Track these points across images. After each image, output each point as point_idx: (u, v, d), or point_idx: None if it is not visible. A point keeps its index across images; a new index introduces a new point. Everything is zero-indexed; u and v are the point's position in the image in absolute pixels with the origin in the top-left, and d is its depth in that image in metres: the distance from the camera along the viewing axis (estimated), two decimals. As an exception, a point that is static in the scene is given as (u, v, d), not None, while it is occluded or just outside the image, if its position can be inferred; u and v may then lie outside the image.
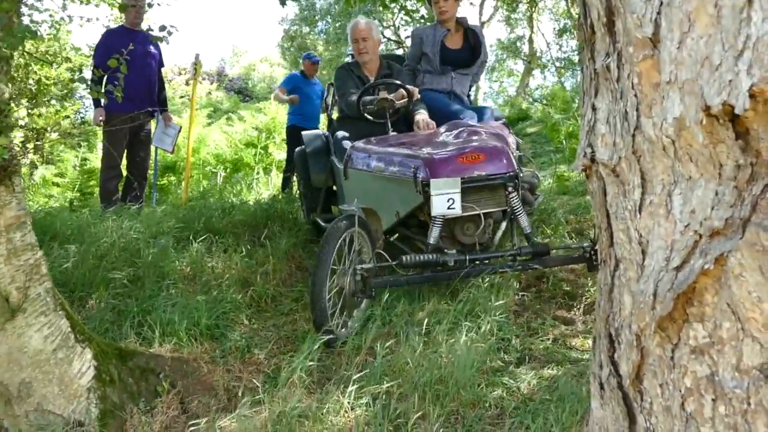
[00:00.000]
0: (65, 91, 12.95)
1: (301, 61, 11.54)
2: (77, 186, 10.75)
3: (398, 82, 6.01)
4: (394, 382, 3.73)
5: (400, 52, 18.21)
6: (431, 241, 4.65)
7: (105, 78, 7.44)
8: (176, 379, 4.16)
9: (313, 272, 4.40)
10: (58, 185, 11.51)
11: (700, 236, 1.62)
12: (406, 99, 5.97)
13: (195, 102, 7.68)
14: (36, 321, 3.66)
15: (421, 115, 5.94)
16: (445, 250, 4.66)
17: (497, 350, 4.11)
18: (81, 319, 4.75)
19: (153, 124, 8.51)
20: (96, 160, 13.07)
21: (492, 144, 4.80)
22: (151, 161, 8.67)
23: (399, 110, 6.06)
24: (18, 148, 3.66)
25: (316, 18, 24.36)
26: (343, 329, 4.52)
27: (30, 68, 9.51)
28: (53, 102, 12.33)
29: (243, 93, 21.56)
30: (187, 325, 4.51)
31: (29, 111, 13.07)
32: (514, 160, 4.71)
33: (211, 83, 22.97)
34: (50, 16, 9.01)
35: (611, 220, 1.90)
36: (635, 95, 1.75)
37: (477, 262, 4.65)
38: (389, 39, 20.81)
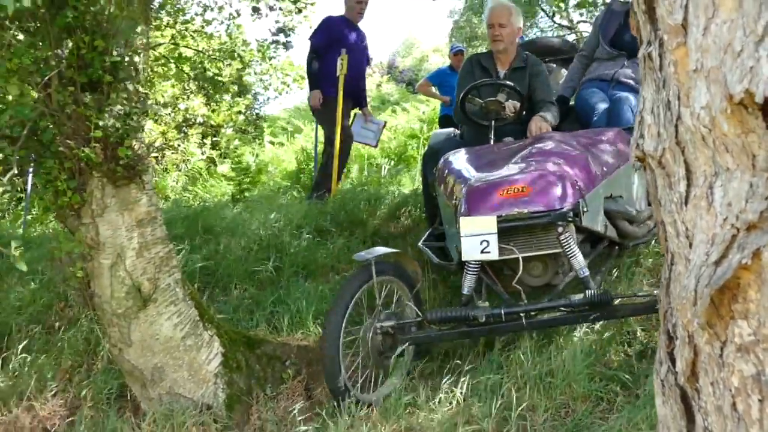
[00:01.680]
0: (237, 87, 13.55)
1: (449, 54, 11.51)
2: (246, 180, 11.27)
3: (510, 83, 4.99)
4: (506, 374, 3.69)
5: (572, 37, 17.67)
6: (464, 291, 3.92)
7: (316, 62, 7.85)
8: (301, 366, 4.31)
9: (321, 340, 3.87)
10: (232, 179, 12.10)
11: (738, 230, 1.53)
12: (518, 106, 5.02)
13: (341, 96, 7.85)
14: (166, 310, 3.91)
15: (537, 120, 4.96)
16: (479, 303, 3.86)
17: (620, 343, 3.96)
18: (221, 309, 5.03)
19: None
20: (266, 153, 13.65)
21: (544, 172, 3.92)
22: (310, 152, 8.94)
23: (512, 115, 5.06)
24: (146, 149, 3.89)
25: (482, 10, 24.25)
26: (374, 394, 3.93)
27: (204, 65, 10.01)
28: (226, 98, 12.96)
29: (413, 84, 21.80)
30: (315, 314, 4.66)
31: (207, 106, 13.79)
32: (572, 192, 3.83)
33: (382, 76, 23.41)
34: (219, 11, 9.38)
35: (662, 213, 1.81)
36: (675, 84, 1.66)
37: (516, 316, 3.76)
38: (560, 25, 20.27)
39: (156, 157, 13.32)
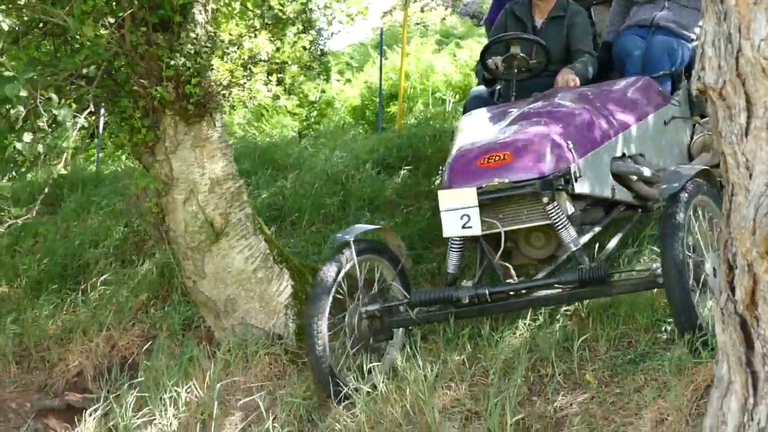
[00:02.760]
0: (301, 22, 13.55)
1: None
2: (311, 116, 11.35)
3: (533, 37, 4.48)
4: (566, 305, 3.75)
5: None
6: (449, 269, 3.69)
7: None
8: (367, 298, 4.41)
9: (305, 329, 3.64)
10: (297, 115, 12.19)
11: (797, 160, 1.55)
12: (542, 62, 4.47)
13: (407, 29, 7.81)
14: (237, 243, 4.05)
15: (564, 73, 4.41)
16: (461, 284, 3.59)
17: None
18: (289, 243, 5.17)
19: None
20: (332, 90, 13.68)
21: (528, 135, 3.56)
22: (375, 88, 8.92)
23: (534, 70, 4.51)
24: (217, 86, 3.99)
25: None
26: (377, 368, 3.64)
27: (268, 2, 10.06)
28: (290, 35, 12.99)
29: (477, 17, 21.46)
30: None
31: (272, 43, 13.84)
32: (561, 157, 3.48)
33: (446, 9, 23.07)
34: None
35: (723, 144, 1.82)
36: (736, 16, 1.66)
37: (504, 295, 3.52)
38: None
39: (223, 95, 13.53)
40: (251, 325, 4.09)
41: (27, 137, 3.32)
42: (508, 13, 4.90)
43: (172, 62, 3.72)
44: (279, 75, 15.58)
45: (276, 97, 14.24)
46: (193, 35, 3.82)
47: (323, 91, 13.13)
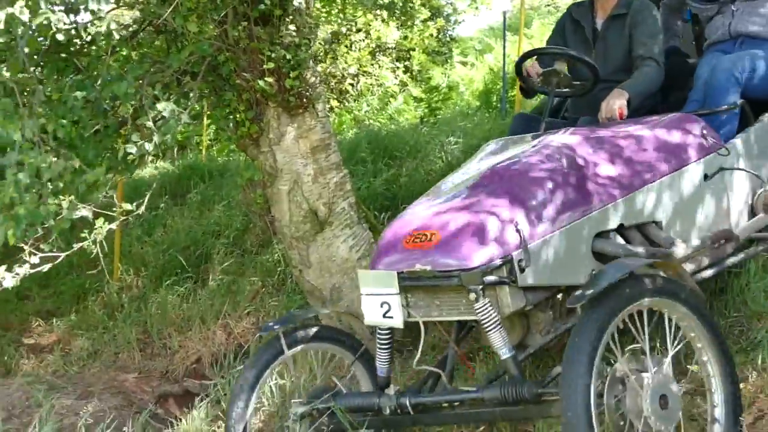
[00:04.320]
0: (428, 10, 13.55)
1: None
2: (435, 100, 11.32)
3: (573, 53, 3.58)
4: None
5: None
6: (378, 371, 3.05)
7: None
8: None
9: None
10: (422, 100, 12.19)
11: None
12: (588, 83, 3.58)
13: (533, 11, 7.66)
14: (342, 233, 4.08)
15: (612, 100, 3.51)
16: (386, 390, 2.97)
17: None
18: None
19: None
20: (457, 74, 13.61)
21: (465, 211, 2.87)
22: (499, 72, 8.79)
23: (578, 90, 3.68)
24: (318, 78, 4.01)
25: None
26: None
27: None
28: (417, 23, 13.02)
29: None
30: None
31: (399, 31, 13.94)
32: (495, 242, 2.73)
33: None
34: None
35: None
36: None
37: (428, 406, 2.95)
38: None
39: (352, 84, 13.70)
40: (356, 314, 4.11)
41: (135, 137, 3.44)
42: (566, 16, 4.10)
43: (273, 55, 3.77)
44: (406, 62, 15.64)
45: (402, 84, 14.35)
46: (293, 28, 3.86)
47: (448, 76, 13.11)
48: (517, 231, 2.74)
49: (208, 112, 4.77)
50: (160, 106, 3.43)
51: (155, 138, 3.44)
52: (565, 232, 2.87)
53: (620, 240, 3.07)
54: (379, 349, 3.01)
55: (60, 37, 3.14)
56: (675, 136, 3.37)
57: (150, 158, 3.48)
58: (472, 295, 2.66)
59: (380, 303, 2.83)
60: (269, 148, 3.98)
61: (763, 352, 2.97)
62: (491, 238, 2.72)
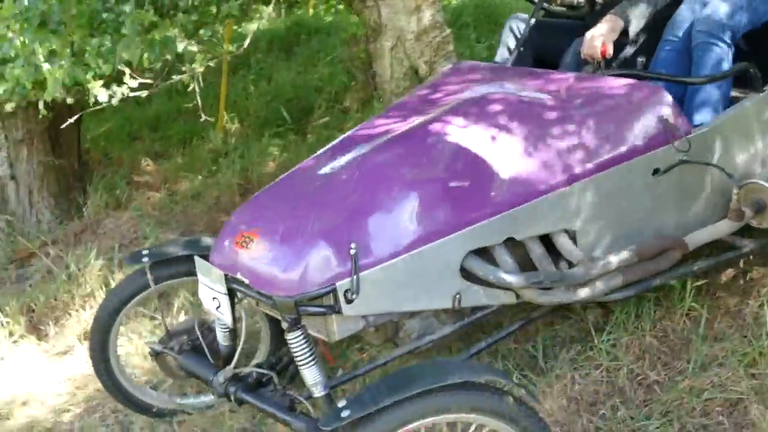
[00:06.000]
0: None
1: None
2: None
3: None
4: None
5: None
6: (220, 342, 2.71)
7: None
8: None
9: None
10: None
11: None
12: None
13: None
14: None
15: (595, 33, 2.90)
16: (226, 368, 2.55)
17: None
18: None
19: None
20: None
21: (293, 221, 2.39)
22: None
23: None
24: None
25: None
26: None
27: None
28: None
29: None
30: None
31: None
32: (319, 267, 2.24)
33: None
34: None
35: None
36: None
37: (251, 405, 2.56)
38: None
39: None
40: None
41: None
42: None
43: None
44: None
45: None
46: None
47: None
48: (350, 257, 2.24)
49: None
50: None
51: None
52: (422, 253, 2.33)
53: (506, 256, 2.47)
54: (218, 325, 2.67)
55: None
56: (624, 118, 2.66)
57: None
58: (284, 325, 2.30)
59: (212, 297, 2.48)
60: (374, 2, 4.00)
61: None
62: (313, 265, 2.24)
